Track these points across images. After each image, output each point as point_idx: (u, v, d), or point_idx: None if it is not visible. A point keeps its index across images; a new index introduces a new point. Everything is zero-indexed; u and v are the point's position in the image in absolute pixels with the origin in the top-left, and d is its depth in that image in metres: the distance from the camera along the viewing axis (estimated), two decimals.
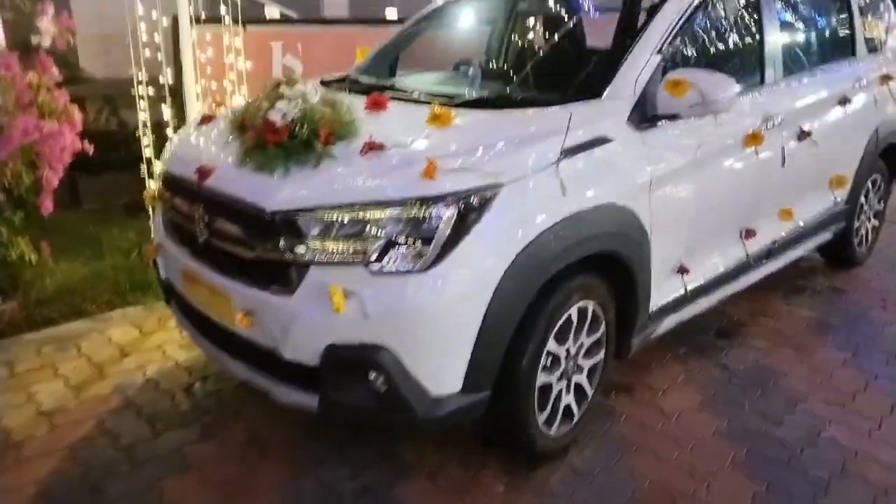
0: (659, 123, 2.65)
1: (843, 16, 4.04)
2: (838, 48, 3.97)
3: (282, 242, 2.13)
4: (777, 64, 3.34)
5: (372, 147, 2.24)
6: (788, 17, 3.52)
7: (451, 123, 2.38)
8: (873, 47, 4.21)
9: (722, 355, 3.38)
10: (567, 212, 2.28)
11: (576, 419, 2.64)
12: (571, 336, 2.49)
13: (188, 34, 3.76)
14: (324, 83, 3.21)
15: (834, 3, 4.00)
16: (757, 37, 3.26)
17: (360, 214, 2.08)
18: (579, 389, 2.64)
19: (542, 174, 2.24)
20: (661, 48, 2.70)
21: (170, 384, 3.00)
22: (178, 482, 2.40)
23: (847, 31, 4.03)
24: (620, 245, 2.52)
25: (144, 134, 3.81)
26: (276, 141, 2.23)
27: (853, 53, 4.02)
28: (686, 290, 2.95)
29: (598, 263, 2.54)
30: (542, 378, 2.40)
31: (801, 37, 3.68)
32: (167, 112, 3.81)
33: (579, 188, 2.33)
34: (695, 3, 2.87)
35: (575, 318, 2.47)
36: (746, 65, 3.24)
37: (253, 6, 6.29)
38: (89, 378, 3.03)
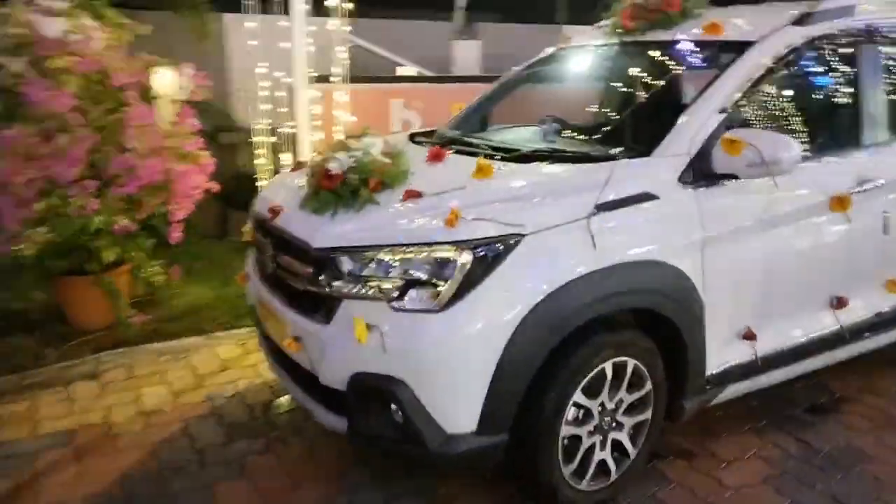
0: (720, 183, 2.60)
1: None
2: None
3: (322, 276, 2.36)
4: (880, 124, 3.11)
5: (410, 195, 2.43)
6: None
7: (492, 175, 2.52)
8: None
9: (808, 431, 3.13)
10: (597, 266, 2.31)
11: (613, 477, 2.59)
12: (606, 391, 2.48)
13: (303, 92, 4.23)
14: (413, 138, 3.46)
15: None
16: (853, 96, 3.07)
17: (386, 255, 2.26)
18: (619, 447, 2.60)
19: (570, 227, 2.30)
20: (725, 107, 2.66)
21: (254, 399, 3.33)
22: (229, 487, 2.68)
23: None
24: (661, 303, 2.48)
25: (263, 178, 4.31)
26: (328, 187, 2.49)
27: None
28: (756, 357, 2.81)
29: (641, 321, 2.53)
30: (567, 429, 2.40)
31: None
32: (284, 158, 4.28)
33: (614, 243, 2.36)
34: (770, 63, 2.79)
35: (609, 373, 2.46)
36: (837, 125, 3.06)
37: (389, 64, 6.82)
38: (188, 386, 3.44)
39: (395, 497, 2.64)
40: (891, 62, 3.23)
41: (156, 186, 3.54)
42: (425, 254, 2.22)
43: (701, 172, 2.57)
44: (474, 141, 3.17)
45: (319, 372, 2.39)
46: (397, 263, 2.25)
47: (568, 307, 2.27)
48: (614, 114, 3.16)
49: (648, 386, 2.59)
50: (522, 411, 2.31)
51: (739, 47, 2.87)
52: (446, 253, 2.20)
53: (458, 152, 2.94)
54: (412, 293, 2.22)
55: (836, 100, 3.07)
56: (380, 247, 2.28)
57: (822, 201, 2.85)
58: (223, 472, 2.76)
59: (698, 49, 3.04)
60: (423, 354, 2.19)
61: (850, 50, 3.09)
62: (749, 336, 2.77)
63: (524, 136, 3.34)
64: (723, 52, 2.93)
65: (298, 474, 2.76)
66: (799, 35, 2.91)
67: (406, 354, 2.20)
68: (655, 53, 3.13)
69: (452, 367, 2.20)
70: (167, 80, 5.57)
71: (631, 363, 2.51)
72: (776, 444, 3.04)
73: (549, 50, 3.83)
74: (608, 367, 2.44)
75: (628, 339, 2.49)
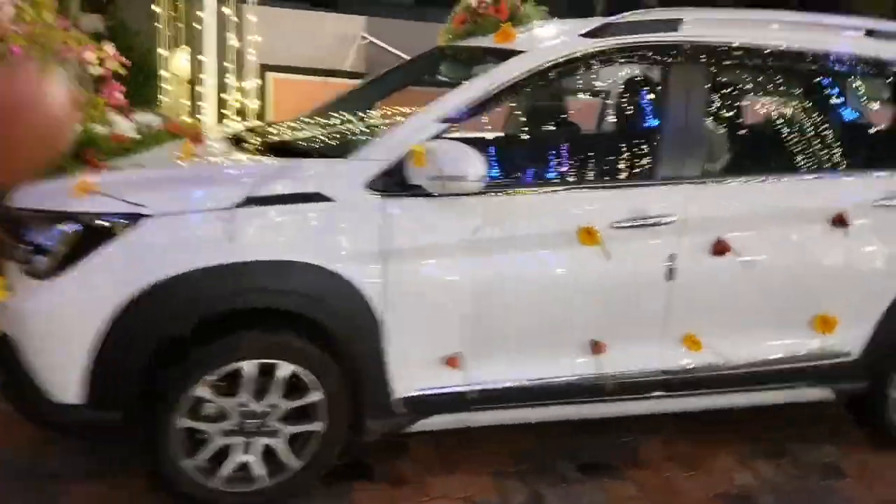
0: (420, 195, 2.39)
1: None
2: (865, 152, 3.04)
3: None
4: (688, 156, 2.71)
5: (93, 166, 2.46)
6: (726, 101, 2.84)
7: (191, 159, 2.50)
8: None
9: (556, 488, 2.81)
10: (230, 258, 2.23)
11: (262, 484, 2.47)
12: (250, 392, 2.38)
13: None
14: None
15: (859, 87, 3.09)
16: (649, 119, 2.72)
17: (30, 219, 2.31)
18: (271, 454, 2.48)
19: (206, 215, 2.24)
20: (448, 116, 2.46)
21: None
22: None
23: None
24: (311, 309, 2.35)
25: None
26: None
27: None
28: (470, 390, 2.57)
29: (306, 325, 2.40)
30: (187, 422, 2.34)
31: (770, 131, 2.97)
32: None
33: (258, 238, 2.26)
34: (525, 75, 2.53)
35: (252, 374, 2.36)
36: (618, 149, 2.72)
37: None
38: None
39: None
40: (727, 88, 2.84)
41: None
42: (45, 222, 2.25)
43: (398, 182, 2.40)
44: (271, 132, 3.09)
45: None
46: (31, 229, 2.30)
47: (188, 296, 2.22)
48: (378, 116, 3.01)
49: (318, 396, 2.46)
50: (137, 394, 2.28)
51: (509, 56, 2.63)
52: (60, 224, 2.22)
53: (239, 142, 2.89)
54: (35, 258, 2.26)
55: (625, 121, 2.74)
56: (26, 210, 2.33)
57: (567, 231, 2.55)
58: None
59: (485, 57, 2.82)
60: (26, 319, 2.23)
61: (660, 68, 2.73)
62: (453, 365, 2.55)
63: (315, 132, 3.22)
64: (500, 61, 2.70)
65: None
66: (582, 47, 2.61)
67: (15, 317, 2.25)
68: (457, 60, 2.95)
69: (52, 336, 2.22)
70: (181, 63, 5.97)
71: (286, 367, 2.39)
72: (504, 492, 2.77)
73: None
74: (249, 367, 2.35)
75: (280, 342, 2.38)
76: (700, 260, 2.70)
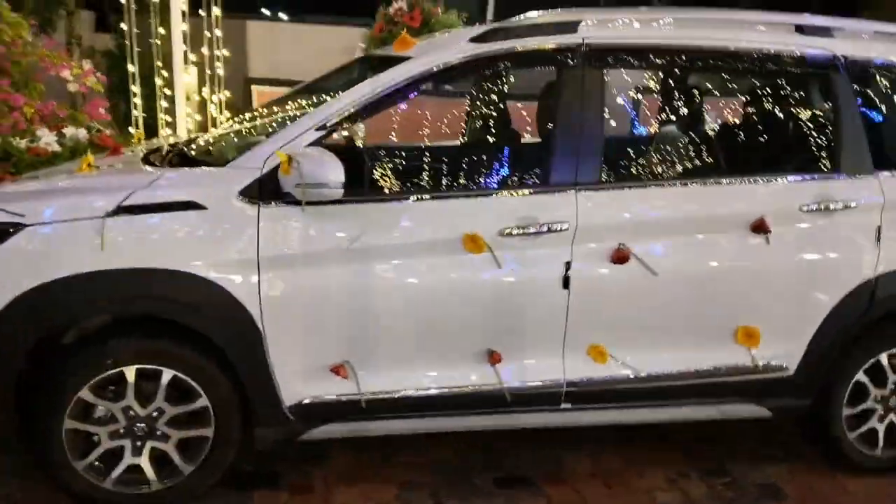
0: (295, 203, 2.40)
1: (817, 109, 2.90)
2: (792, 155, 2.86)
3: None
4: (582, 161, 2.63)
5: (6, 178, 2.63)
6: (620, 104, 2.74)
7: (87, 171, 2.63)
8: None
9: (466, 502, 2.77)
10: (103, 266, 2.32)
11: (154, 487, 2.53)
12: (131, 396, 2.45)
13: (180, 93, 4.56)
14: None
15: (793, 88, 2.91)
16: (546, 123, 2.66)
17: None
18: (164, 458, 2.54)
19: (80, 224, 2.32)
20: (326, 124, 2.48)
21: None
22: None
23: (820, 132, 2.87)
24: (189, 316, 2.40)
25: None
26: None
27: (833, 166, 2.83)
28: (360, 399, 2.57)
29: (185, 331, 2.46)
30: (72, 424, 2.42)
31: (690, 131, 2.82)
32: None
33: (130, 247, 2.34)
34: (407, 81, 2.53)
35: (131, 379, 2.43)
36: (504, 154, 2.67)
37: None
38: None
39: None
40: (631, 90, 2.75)
41: None
42: None
43: (273, 190, 2.43)
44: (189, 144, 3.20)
45: None
46: None
47: (59, 303, 2.31)
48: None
49: (204, 402, 2.51)
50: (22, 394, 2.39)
51: (398, 63, 2.64)
52: None
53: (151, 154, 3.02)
54: None
55: (511, 126, 2.69)
56: None
57: (451, 239, 2.52)
58: None
59: (384, 65, 2.82)
60: None
61: (554, 72, 2.67)
62: (340, 374, 2.55)
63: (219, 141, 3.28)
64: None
65: None
66: (466, 52, 2.60)
67: None
68: (375, 68, 2.97)
69: None
70: (187, 80, 6.26)
71: (168, 373, 2.46)
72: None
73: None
74: (129, 372, 2.42)
75: (157, 348, 2.44)
76: (598, 268, 2.61)
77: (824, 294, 2.80)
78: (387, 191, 2.60)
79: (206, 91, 4.82)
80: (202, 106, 5.89)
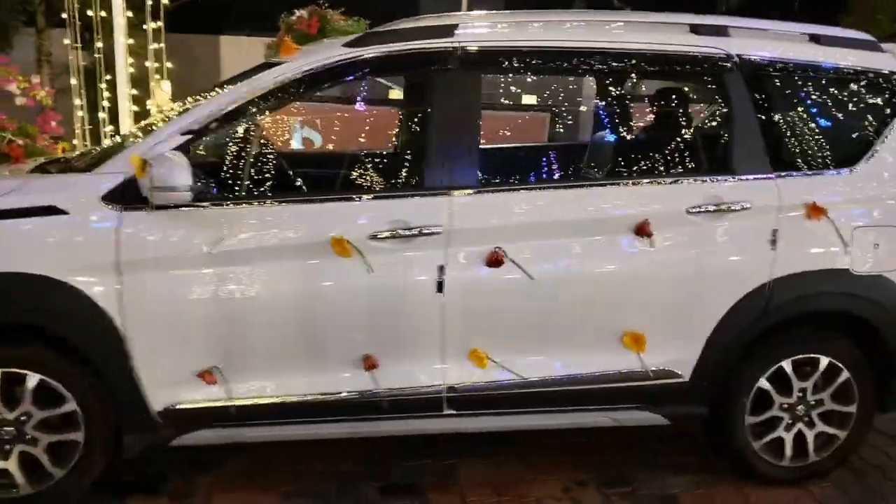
0: (156, 207, 2.39)
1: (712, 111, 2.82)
2: (682, 157, 2.78)
3: None
4: (459, 167, 2.58)
5: None
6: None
7: None
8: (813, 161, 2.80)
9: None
10: None
11: (23, 492, 2.53)
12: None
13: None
14: None
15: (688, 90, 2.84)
16: (415, 127, 2.62)
17: None
18: (35, 462, 2.53)
19: None
20: (192, 129, 2.48)
21: None
22: None
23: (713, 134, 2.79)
24: (51, 321, 2.41)
25: None
26: None
27: (727, 167, 2.75)
28: (230, 405, 2.55)
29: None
30: None
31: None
32: None
33: None
34: (272, 87, 2.52)
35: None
36: (372, 160, 2.64)
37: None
38: None
39: None
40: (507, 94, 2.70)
41: None
42: None
43: (135, 195, 2.43)
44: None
45: None
46: None
47: None
48: None
49: (72, 406, 2.51)
50: None
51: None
52: None
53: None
54: None
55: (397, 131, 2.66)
56: None
57: (319, 244, 2.49)
58: None
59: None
60: None
61: (428, 75, 2.64)
62: (207, 380, 2.53)
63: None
64: None
65: None
66: (337, 57, 2.57)
67: None
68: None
69: None
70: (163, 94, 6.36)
71: (34, 377, 2.45)
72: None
73: None
74: None
75: (18, 353, 2.45)
76: (473, 272, 2.57)
77: (715, 299, 2.72)
78: (253, 195, 2.58)
79: (150, 103, 4.87)
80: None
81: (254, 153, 2.75)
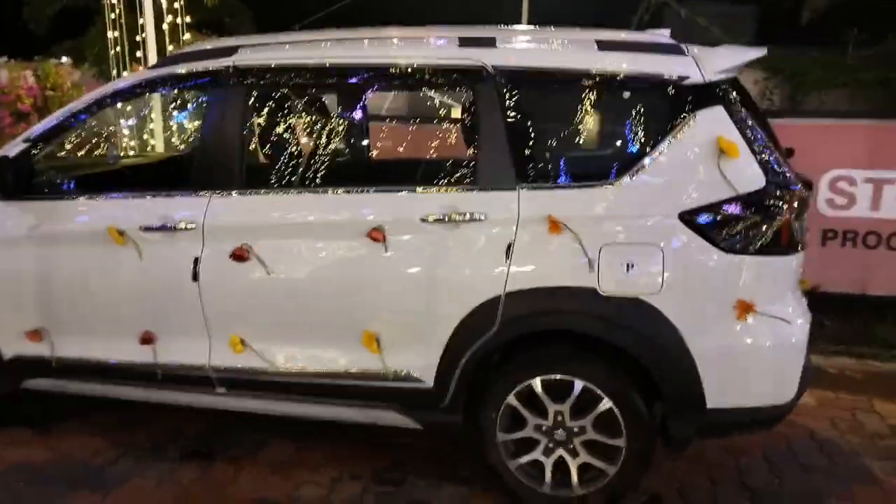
0: (24, 198, 3.10)
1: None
2: (426, 167, 2.82)
3: None
4: (217, 170, 2.92)
5: None
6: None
7: None
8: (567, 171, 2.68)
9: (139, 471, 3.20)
10: None
11: None
12: None
13: None
14: None
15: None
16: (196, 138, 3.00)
17: None
18: None
19: None
20: (30, 137, 3.14)
21: None
22: None
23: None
24: None
25: None
26: None
27: (469, 178, 2.74)
28: (52, 359, 3.17)
29: None
30: None
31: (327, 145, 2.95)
32: None
33: None
34: (101, 100, 3.08)
35: None
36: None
37: None
38: None
39: None
40: (272, 106, 2.98)
41: None
42: None
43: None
44: None
45: None
46: None
47: None
48: None
49: None
50: None
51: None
52: None
53: None
54: None
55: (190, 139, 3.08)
56: None
57: (102, 232, 3.00)
58: None
59: None
60: None
61: (208, 91, 3.02)
62: (34, 338, 3.17)
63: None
64: None
65: None
66: (141, 77, 3.08)
67: None
68: None
69: None
70: None
71: None
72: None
73: None
74: None
75: None
76: (222, 266, 2.88)
77: (448, 308, 2.72)
78: (63, 191, 3.17)
79: None
80: None
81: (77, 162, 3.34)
